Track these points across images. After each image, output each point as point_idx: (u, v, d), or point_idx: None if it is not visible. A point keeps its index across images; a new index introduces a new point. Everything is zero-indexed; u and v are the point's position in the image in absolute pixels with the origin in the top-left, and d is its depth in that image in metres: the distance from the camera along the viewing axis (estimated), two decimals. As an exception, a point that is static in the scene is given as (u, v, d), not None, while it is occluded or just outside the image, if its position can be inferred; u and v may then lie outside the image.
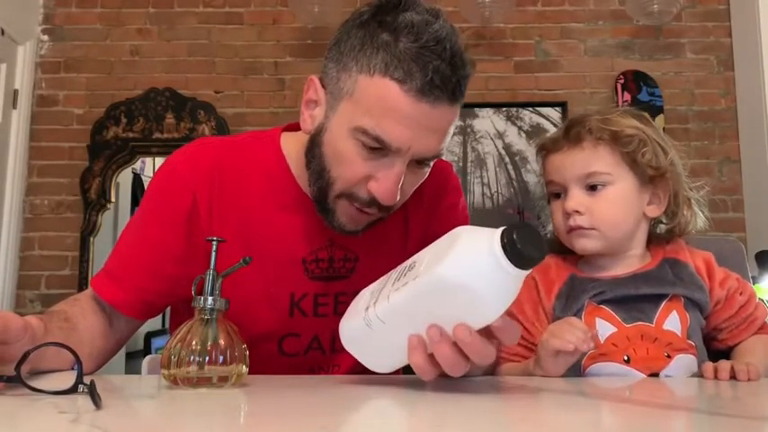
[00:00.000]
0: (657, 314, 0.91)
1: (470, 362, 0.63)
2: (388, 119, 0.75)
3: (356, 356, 0.72)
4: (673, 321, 0.90)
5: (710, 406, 0.68)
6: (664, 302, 0.91)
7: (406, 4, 0.77)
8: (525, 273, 0.58)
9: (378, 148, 0.77)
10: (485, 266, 0.57)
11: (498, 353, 0.68)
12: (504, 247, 0.56)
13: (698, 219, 0.98)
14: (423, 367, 0.64)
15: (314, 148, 0.83)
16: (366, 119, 0.76)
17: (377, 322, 0.66)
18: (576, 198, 0.93)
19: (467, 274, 0.58)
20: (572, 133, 0.94)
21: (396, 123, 0.75)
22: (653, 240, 0.99)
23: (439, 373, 0.64)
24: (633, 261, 0.96)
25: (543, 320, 0.94)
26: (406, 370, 0.97)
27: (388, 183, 0.78)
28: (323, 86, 0.83)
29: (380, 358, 0.70)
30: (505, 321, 0.62)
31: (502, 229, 0.58)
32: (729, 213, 2.74)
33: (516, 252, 0.56)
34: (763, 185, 2.64)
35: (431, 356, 0.64)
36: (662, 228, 1.00)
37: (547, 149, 0.98)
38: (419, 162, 0.80)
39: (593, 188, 0.93)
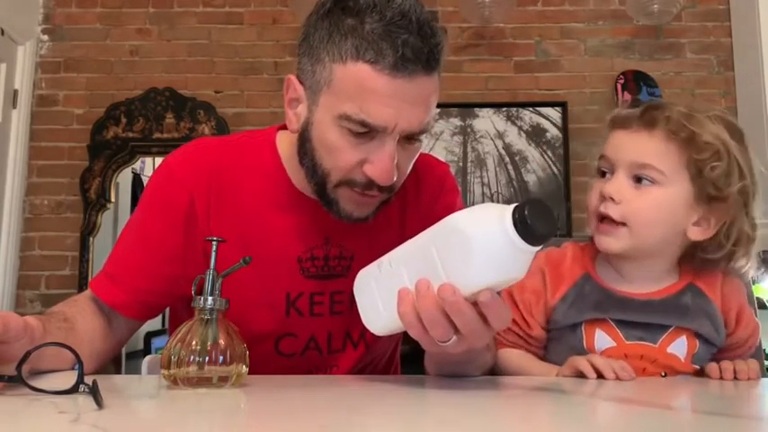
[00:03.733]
0: (663, 337, 0.87)
1: (460, 334, 0.63)
2: (369, 101, 0.75)
3: (359, 306, 0.72)
4: (679, 346, 0.87)
5: (711, 406, 0.68)
6: (673, 328, 0.87)
7: None
8: (528, 249, 0.59)
9: (365, 132, 0.77)
10: (489, 225, 0.59)
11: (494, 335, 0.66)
12: (513, 215, 0.58)
13: (752, 262, 0.87)
14: (410, 319, 0.64)
15: (304, 145, 0.84)
16: (348, 105, 0.76)
17: (386, 265, 0.68)
18: (618, 185, 0.85)
19: (468, 223, 0.60)
20: (647, 116, 0.86)
21: (377, 104, 0.75)
22: (687, 260, 0.90)
23: (424, 330, 0.63)
24: (656, 276, 0.90)
25: (541, 313, 0.90)
26: (406, 370, 0.97)
27: (383, 164, 0.78)
28: (301, 83, 0.83)
29: (378, 310, 0.69)
30: (494, 298, 0.61)
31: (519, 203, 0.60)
32: (729, 213, 2.74)
33: (524, 225, 0.57)
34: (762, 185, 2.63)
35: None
36: (702, 256, 0.89)
37: (615, 123, 0.90)
38: (409, 138, 0.80)
39: (638, 180, 0.85)
